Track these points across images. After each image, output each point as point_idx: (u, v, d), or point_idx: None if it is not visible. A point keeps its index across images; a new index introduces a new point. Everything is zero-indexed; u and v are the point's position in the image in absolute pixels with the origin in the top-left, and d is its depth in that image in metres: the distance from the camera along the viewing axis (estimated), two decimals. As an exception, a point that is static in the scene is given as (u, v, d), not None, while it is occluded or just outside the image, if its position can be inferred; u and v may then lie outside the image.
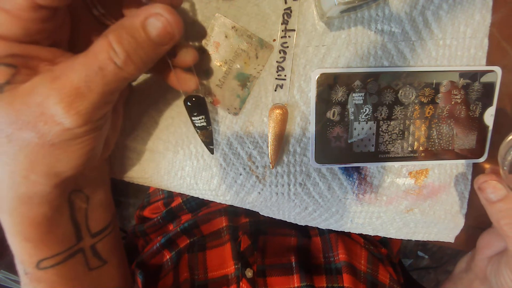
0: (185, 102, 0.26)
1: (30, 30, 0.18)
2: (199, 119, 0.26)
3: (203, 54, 0.27)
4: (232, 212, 0.41)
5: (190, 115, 0.26)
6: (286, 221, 0.34)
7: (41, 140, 0.18)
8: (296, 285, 0.34)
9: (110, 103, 0.20)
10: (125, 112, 0.29)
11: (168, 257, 0.38)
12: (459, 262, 0.36)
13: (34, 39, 0.19)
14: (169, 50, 0.23)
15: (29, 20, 0.17)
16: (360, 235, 0.40)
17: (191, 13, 0.26)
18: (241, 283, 0.33)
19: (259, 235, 0.39)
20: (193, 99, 0.26)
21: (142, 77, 0.28)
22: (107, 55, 0.18)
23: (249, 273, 0.34)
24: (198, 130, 0.27)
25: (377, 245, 0.44)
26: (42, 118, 0.18)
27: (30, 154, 0.19)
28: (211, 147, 0.29)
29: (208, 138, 0.28)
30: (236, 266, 0.35)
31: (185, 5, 0.26)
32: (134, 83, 0.29)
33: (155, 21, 0.18)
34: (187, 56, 0.23)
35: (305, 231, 0.41)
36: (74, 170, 0.21)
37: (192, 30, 0.27)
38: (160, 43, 0.19)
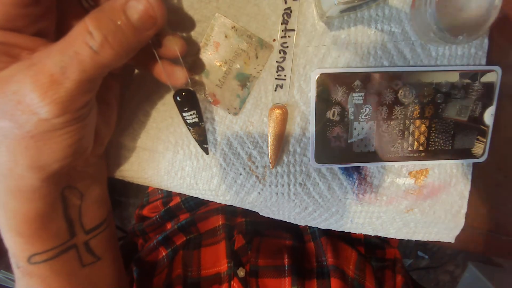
0: (174, 97, 0.25)
1: (11, 15, 0.17)
2: (190, 114, 0.25)
3: (203, 54, 0.27)
4: (230, 211, 0.41)
5: (181, 110, 0.25)
6: (282, 224, 0.33)
7: (20, 131, 0.18)
8: None
9: (90, 92, 0.19)
10: (124, 112, 0.29)
11: (164, 254, 0.38)
12: None
13: (15, 26, 0.18)
14: (154, 39, 0.22)
15: (9, 4, 0.17)
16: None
17: (184, 11, 0.26)
18: (232, 282, 0.33)
19: (254, 236, 0.39)
20: (183, 93, 0.24)
21: (141, 75, 0.28)
22: (83, 38, 0.17)
23: (241, 272, 0.34)
24: (190, 128, 0.26)
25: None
26: (19, 107, 0.17)
27: (11, 146, 0.18)
28: (205, 146, 0.27)
29: (201, 136, 0.26)
30: (229, 265, 0.35)
31: (178, 3, 0.26)
32: (132, 82, 0.29)
33: (136, 3, 0.18)
34: (173, 46, 0.22)
35: (300, 235, 0.41)
36: (60, 163, 0.20)
37: (185, 29, 0.27)
38: (142, 28, 0.18)
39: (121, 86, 0.27)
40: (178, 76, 0.24)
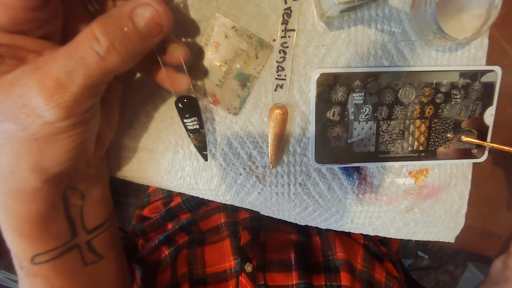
0: (176, 103, 0.25)
1: (19, 19, 0.18)
2: (191, 121, 0.25)
3: (203, 54, 0.27)
4: (231, 208, 0.41)
5: (182, 117, 0.25)
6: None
7: (24, 133, 0.18)
8: (294, 282, 0.34)
9: (95, 96, 0.19)
10: (125, 112, 0.29)
11: (167, 252, 0.38)
12: (494, 263, 0.36)
13: (23, 29, 0.18)
14: (159, 46, 0.22)
15: (17, 8, 0.17)
16: (360, 234, 0.40)
17: (184, 11, 0.26)
18: (240, 277, 0.34)
19: (260, 231, 0.39)
20: (185, 100, 0.25)
21: (142, 76, 0.28)
22: (89, 44, 0.17)
23: (248, 267, 0.34)
24: (190, 134, 0.26)
25: (376, 243, 0.45)
26: (24, 110, 0.17)
27: (14, 148, 0.19)
28: (204, 153, 0.27)
29: (201, 143, 0.27)
30: (236, 261, 0.35)
31: (179, 3, 0.26)
32: (133, 82, 0.29)
33: (143, 11, 0.18)
34: (177, 53, 0.23)
35: (305, 230, 0.41)
36: (62, 166, 0.20)
37: (185, 28, 0.27)
38: (148, 35, 0.19)
39: (123, 87, 0.27)
40: (181, 83, 0.24)
